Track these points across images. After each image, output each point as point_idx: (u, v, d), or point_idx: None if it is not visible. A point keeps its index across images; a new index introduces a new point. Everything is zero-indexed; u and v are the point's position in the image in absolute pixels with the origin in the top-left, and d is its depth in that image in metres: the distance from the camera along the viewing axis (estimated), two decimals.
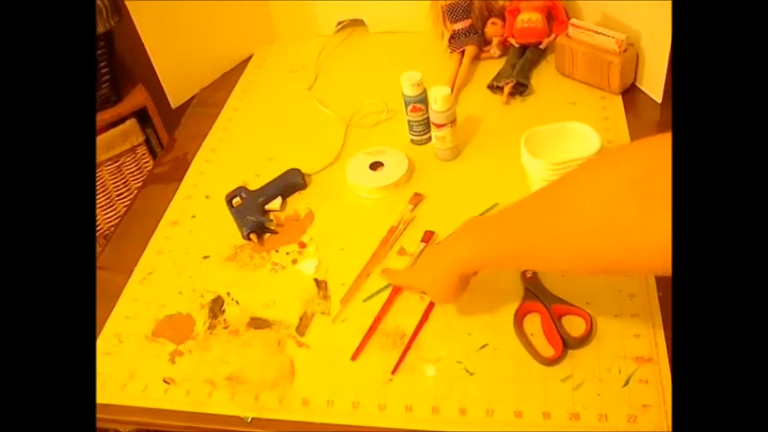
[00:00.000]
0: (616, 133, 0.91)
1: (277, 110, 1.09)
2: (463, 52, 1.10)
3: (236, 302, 0.79)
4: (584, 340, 0.68)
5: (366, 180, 0.90)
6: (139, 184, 1.33)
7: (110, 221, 1.39)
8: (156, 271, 0.85)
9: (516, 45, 1.08)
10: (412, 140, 0.97)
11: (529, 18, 1.06)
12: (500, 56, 1.10)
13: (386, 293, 0.76)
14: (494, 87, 1.03)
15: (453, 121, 0.89)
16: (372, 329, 0.73)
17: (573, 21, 1.00)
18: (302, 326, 0.75)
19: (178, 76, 1.12)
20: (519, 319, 0.71)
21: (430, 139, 0.95)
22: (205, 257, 0.86)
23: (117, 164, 1.34)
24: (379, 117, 1.03)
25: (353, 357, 0.71)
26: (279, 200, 0.90)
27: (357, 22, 1.24)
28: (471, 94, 1.05)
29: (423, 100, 0.92)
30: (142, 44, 1.04)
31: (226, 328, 0.77)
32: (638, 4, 0.94)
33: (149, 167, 1.35)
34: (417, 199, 0.87)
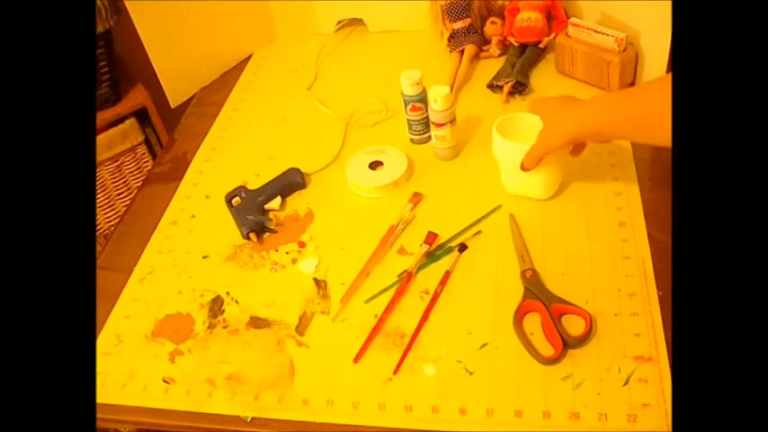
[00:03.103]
0: None
1: (277, 109, 1.09)
2: (463, 51, 1.10)
3: (236, 302, 0.79)
4: (583, 339, 0.68)
5: (366, 179, 0.90)
6: (139, 184, 1.33)
7: (110, 221, 1.39)
8: (155, 271, 0.85)
9: (516, 44, 1.08)
10: (411, 140, 0.97)
11: (528, 17, 1.06)
12: (500, 55, 1.10)
13: (387, 295, 0.76)
14: (493, 86, 1.03)
15: (453, 121, 0.89)
16: (375, 332, 0.73)
17: (572, 20, 1.00)
18: (302, 325, 0.75)
19: (177, 75, 1.12)
20: (519, 318, 0.71)
21: (429, 138, 0.95)
22: (205, 257, 0.86)
23: (117, 163, 1.34)
24: (379, 116, 1.03)
25: (356, 360, 0.71)
26: (278, 199, 0.90)
27: (357, 22, 1.24)
28: (471, 94, 1.05)
29: (422, 99, 0.91)
30: (141, 44, 1.04)
31: (225, 327, 0.77)
32: (638, 3, 0.94)
33: (149, 167, 1.36)
34: (417, 198, 0.87)
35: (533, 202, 0.84)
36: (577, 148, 0.81)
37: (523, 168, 0.80)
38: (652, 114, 0.69)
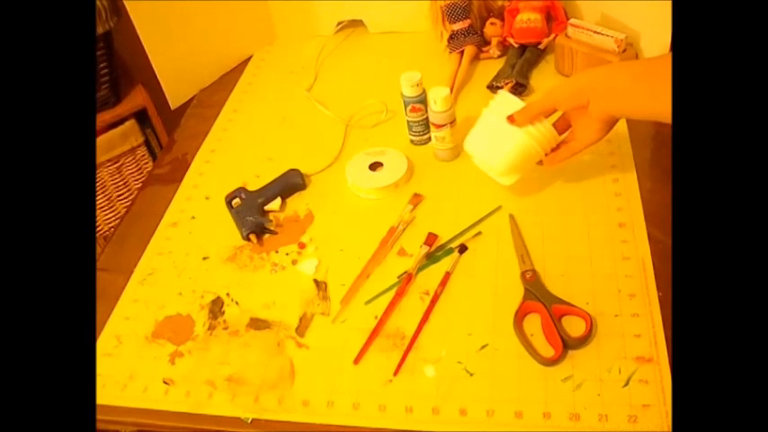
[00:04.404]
0: (615, 132, 0.91)
1: (277, 110, 1.09)
2: (462, 52, 1.10)
3: (236, 303, 0.79)
4: (584, 340, 0.68)
5: (366, 180, 0.90)
6: (139, 185, 1.33)
7: (110, 222, 1.39)
8: (155, 272, 0.85)
9: (515, 45, 1.08)
10: (411, 141, 0.97)
11: (528, 18, 1.06)
12: (499, 56, 1.10)
13: (387, 296, 0.76)
14: (493, 87, 1.03)
15: (453, 122, 0.89)
16: (375, 333, 0.73)
17: (572, 21, 1.00)
18: (302, 326, 0.75)
19: (177, 76, 1.12)
20: (519, 319, 0.71)
21: (429, 139, 0.95)
22: (205, 258, 0.86)
23: (117, 165, 1.34)
24: (379, 117, 1.03)
25: (356, 361, 0.71)
26: (278, 200, 0.90)
27: (356, 23, 1.24)
28: (471, 95, 1.05)
29: (422, 100, 0.91)
30: (141, 45, 1.04)
31: (226, 329, 0.77)
32: (638, 3, 0.94)
33: (149, 168, 1.36)
34: (417, 199, 0.87)
35: (533, 202, 0.84)
36: (565, 121, 0.79)
37: (510, 119, 0.76)
38: (665, 85, 0.67)
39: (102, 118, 1.27)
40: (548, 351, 0.68)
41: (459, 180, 0.90)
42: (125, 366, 0.74)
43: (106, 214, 1.38)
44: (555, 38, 1.04)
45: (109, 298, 0.82)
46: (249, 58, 1.23)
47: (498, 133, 0.78)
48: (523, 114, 0.76)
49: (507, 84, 1.00)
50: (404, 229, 0.84)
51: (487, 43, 1.12)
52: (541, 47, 1.07)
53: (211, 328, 0.77)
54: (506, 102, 0.78)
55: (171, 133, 1.10)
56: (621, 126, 0.92)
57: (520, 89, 1.01)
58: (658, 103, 0.68)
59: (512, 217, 0.82)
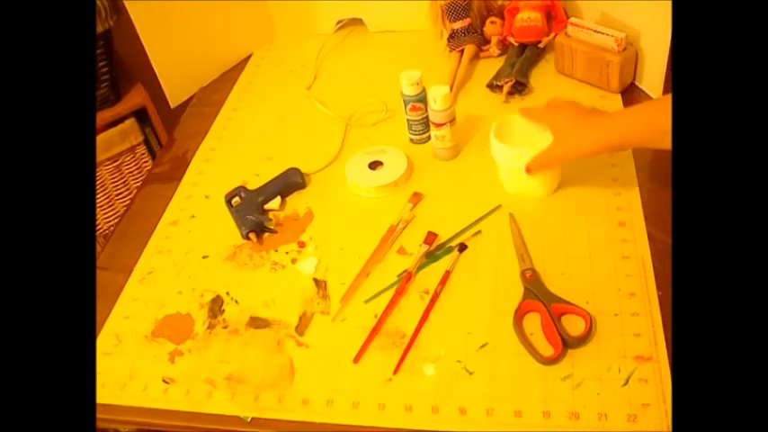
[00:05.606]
0: None
1: (276, 109, 1.09)
2: (462, 51, 1.10)
3: (236, 302, 0.79)
4: (583, 339, 0.68)
5: (365, 179, 0.90)
6: (139, 184, 1.33)
7: (109, 221, 1.39)
8: (155, 271, 0.85)
9: (515, 44, 1.08)
10: (411, 140, 0.97)
11: (528, 17, 1.06)
12: (499, 55, 1.10)
13: (387, 295, 0.76)
14: (493, 86, 1.03)
15: (452, 121, 0.89)
16: (375, 332, 0.73)
17: (572, 20, 1.00)
18: (302, 325, 0.75)
19: (177, 75, 1.12)
20: (519, 318, 0.71)
21: (429, 138, 0.95)
22: (204, 257, 0.86)
23: (116, 163, 1.34)
24: (379, 116, 1.03)
25: (356, 360, 0.71)
26: (278, 199, 0.90)
27: (356, 22, 1.24)
28: (470, 93, 1.04)
29: (422, 99, 0.91)
30: (141, 44, 1.04)
31: (225, 327, 0.77)
32: (638, 3, 0.94)
33: (149, 167, 1.36)
34: (417, 198, 0.87)
35: (533, 202, 0.84)
36: None
37: (528, 171, 0.80)
38: (665, 133, 0.67)
39: (102, 117, 1.27)
40: (547, 350, 0.68)
41: (459, 179, 0.90)
42: (125, 365, 0.74)
43: (106, 213, 1.38)
44: (555, 37, 1.04)
45: (108, 297, 0.82)
46: (249, 57, 1.23)
47: (521, 176, 0.81)
48: (537, 164, 0.80)
49: (507, 82, 1.00)
50: (404, 228, 0.84)
51: (487, 42, 1.12)
52: (541, 46, 1.07)
53: (211, 326, 0.77)
54: (504, 152, 0.82)
55: (170, 132, 1.10)
56: None
57: (520, 88, 1.01)
58: (662, 144, 0.71)
59: (512, 216, 0.82)
